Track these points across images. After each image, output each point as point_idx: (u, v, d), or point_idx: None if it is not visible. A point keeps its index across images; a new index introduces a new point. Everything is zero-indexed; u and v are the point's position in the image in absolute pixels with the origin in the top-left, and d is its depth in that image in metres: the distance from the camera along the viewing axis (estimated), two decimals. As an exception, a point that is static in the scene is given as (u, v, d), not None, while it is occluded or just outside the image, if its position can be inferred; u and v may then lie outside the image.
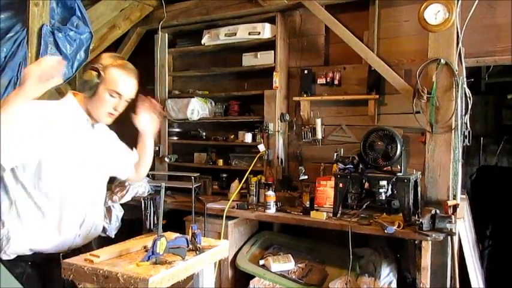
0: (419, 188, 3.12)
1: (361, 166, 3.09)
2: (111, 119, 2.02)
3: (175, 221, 3.55)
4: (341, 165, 3.20)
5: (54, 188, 1.89)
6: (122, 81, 1.95)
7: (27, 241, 1.86)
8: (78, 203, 2.00)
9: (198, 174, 3.93)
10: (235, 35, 4.07)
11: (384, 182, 2.97)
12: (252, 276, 3.36)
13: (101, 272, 1.61)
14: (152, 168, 4.39)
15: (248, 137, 4.06)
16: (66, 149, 1.91)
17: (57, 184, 1.89)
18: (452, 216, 2.78)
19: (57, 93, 4.72)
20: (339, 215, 3.20)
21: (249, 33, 4.01)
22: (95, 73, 1.91)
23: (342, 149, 3.47)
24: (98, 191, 2.15)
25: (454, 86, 2.98)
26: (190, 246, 1.84)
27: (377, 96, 3.57)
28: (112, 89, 1.93)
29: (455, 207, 2.86)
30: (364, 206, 3.08)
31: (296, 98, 3.92)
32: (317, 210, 3.31)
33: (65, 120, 1.93)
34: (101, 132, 2.13)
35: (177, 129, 4.59)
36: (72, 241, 1.99)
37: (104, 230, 3.87)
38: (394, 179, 2.96)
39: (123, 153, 2.35)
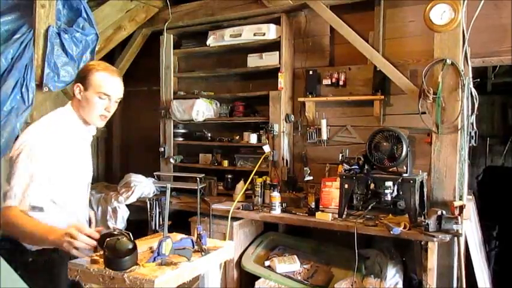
0: (425, 189, 3.11)
1: (366, 167, 3.09)
2: (103, 121, 2.09)
3: (180, 222, 3.55)
4: (346, 166, 3.19)
5: (61, 196, 1.98)
6: (109, 82, 2.01)
7: None
8: (82, 205, 2.15)
9: (203, 175, 3.94)
10: (240, 36, 4.07)
11: (389, 183, 2.97)
12: (258, 277, 3.36)
13: (107, 273, 1.62)
14: (158, 169, 4.43)
15: (253, 138, 4.06)
16: (70, 163, 2.02)
17: (63, 193, 1.99)
18: (459, 217, 2.77)
19: (63, 93, 4.75)
20: (344, 216, 3.19)
21: (254, 34, 4.01)
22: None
23: (347, 150, 3.47)
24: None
25: (460, 86, 2.97)
26: (196, 247, 1.84)
27: (382, 97, 3.56)
28: (100, 92, 1.99)
29: (461, 208, 2.85)
30: (369, 207, 3.08)
31: (301, 99, 3.92)
32: (322, 211, 3.31)
33: (67, 134, 2.03)
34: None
35: (182, 130, 4.60)
36: None
37: (110, 230, 3.89)
38: (399, 180, 2.95)
39: None
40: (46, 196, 1.90)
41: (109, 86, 2.01)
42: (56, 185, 1.95)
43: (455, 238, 2.87)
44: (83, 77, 2.01)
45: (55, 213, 1.96)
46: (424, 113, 3.10)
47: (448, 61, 2.96)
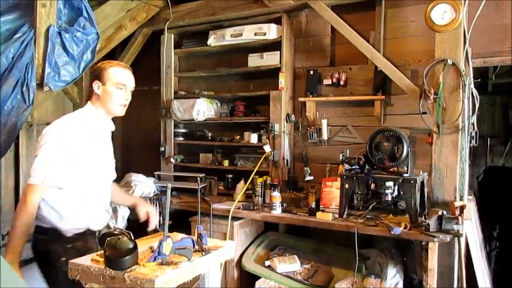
0: (425, 189, 3.11)
1: (367, 167, 3.09)
2: (124, 109, 2.35)
3: (181, 222, 3.55)
4: (347, 166, 3.19)
5: (85, 184, 2.25)
6: (123, 74, 2.30)
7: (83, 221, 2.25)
8: (106, 191, 2.43)
9: (204, 174, 3.94)
10: (241, 35, 4.07)
11: (390, 183, 2.96)
12: (258, 277, 3.36)
13: (108, 272, 1.62)
14: (158, 169, 4.43)
15: (254, 138, 4.06)
16: (91, 151, 2.26)
17: (87, 181, 2.25)
18: (459, 218, 2.77)
19: (64, 93, 4.75)
20: (344, 216, 3.19)
21: (255, 34, 4.01)
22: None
23: (348, 150, 3.46)
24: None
25: (461, 86, 2.96)
26: (196, 247, 1.84)
27: (383, 97, 3.56)
28: (118, 82, 2.27)
29: (462, 208, 2.84)
30: (370, 207, 3.07)
31: (302, 99, 3.92)
32: (323, 211, 3.31)
33: (89, 126, 2.28)
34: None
35: (183, 130, 4.60)
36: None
37: (110, 230, 3.89)
38: (400, 180, 2.94)
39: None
40: (65, 177, 2.13)
41: (124, 77, 2.30)
42: (76, 170, 2.18)
43: (456, 238, 2.87)
44: (98, 74, 2.27)
45: (72, 194, 2.19)
46: (425, 113, 3.09)
47: (449, 61, 2.96)
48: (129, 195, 2.76)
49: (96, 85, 2.26)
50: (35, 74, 3.19)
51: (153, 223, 2.55)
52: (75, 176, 2.18)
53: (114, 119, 2.44)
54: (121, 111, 2.35)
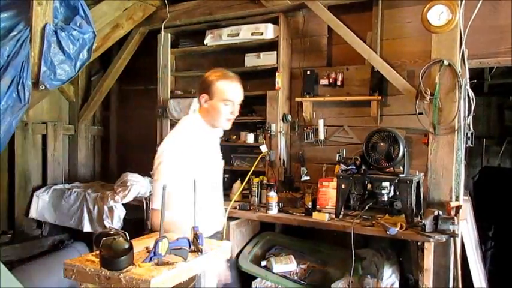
0: (421, 189, 3.11)
1: (363, 167, 3.09)
2: (230, 123, 2.33)
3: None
4: (343, 166, 3.19)
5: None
6: (230, 89, 2.26)
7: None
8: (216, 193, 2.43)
9: (200, 174, 3.92)
10: (238, 35, 4.07)
11: (386, 183, 2.97)
12: (254, 277, 3.36)
13: (103, 272, 1.61)
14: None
15: (250, 138, 4.06)
16: (204, 162, 2.25)
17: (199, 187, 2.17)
18: (455, 218, 2.78)
19: (60, 92, 4.73)
20: (341, 216, 3.19)
21: (252, 34, 4.01)
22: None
23: (344, 150, 3.46)
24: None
25: (457, 87, 2.97)
26: (192, 247, 1.83)
27: (379, 97, 3.56)
28: (225, 99, 2.23)
29: (457, 208, 2.86)
30: (366, 207, 3.08)
31: (298, 99, 3.92)
32: (319, 211, 3.31)
33: (198, 139, 2.25)
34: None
35: (179, 130, 4.58)
36: None
37: (106, 230, 3.87)
38: (396, 180, 2.95)
39: None
40: (178, 200, 2.10)
41: (231, 93, 2.26)
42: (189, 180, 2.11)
43: (452, 238, 2.87)
44: (206, 88, 2.24)
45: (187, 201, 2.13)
46: (421, 113, 3.10)
47: (446, 62, 2.97)
48: None
49: (203, 99, 2.26)
50: (31, 73, 3.17)
51: None
52: (188, 185, 2.14)
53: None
54: (227, 126, 2.34)
